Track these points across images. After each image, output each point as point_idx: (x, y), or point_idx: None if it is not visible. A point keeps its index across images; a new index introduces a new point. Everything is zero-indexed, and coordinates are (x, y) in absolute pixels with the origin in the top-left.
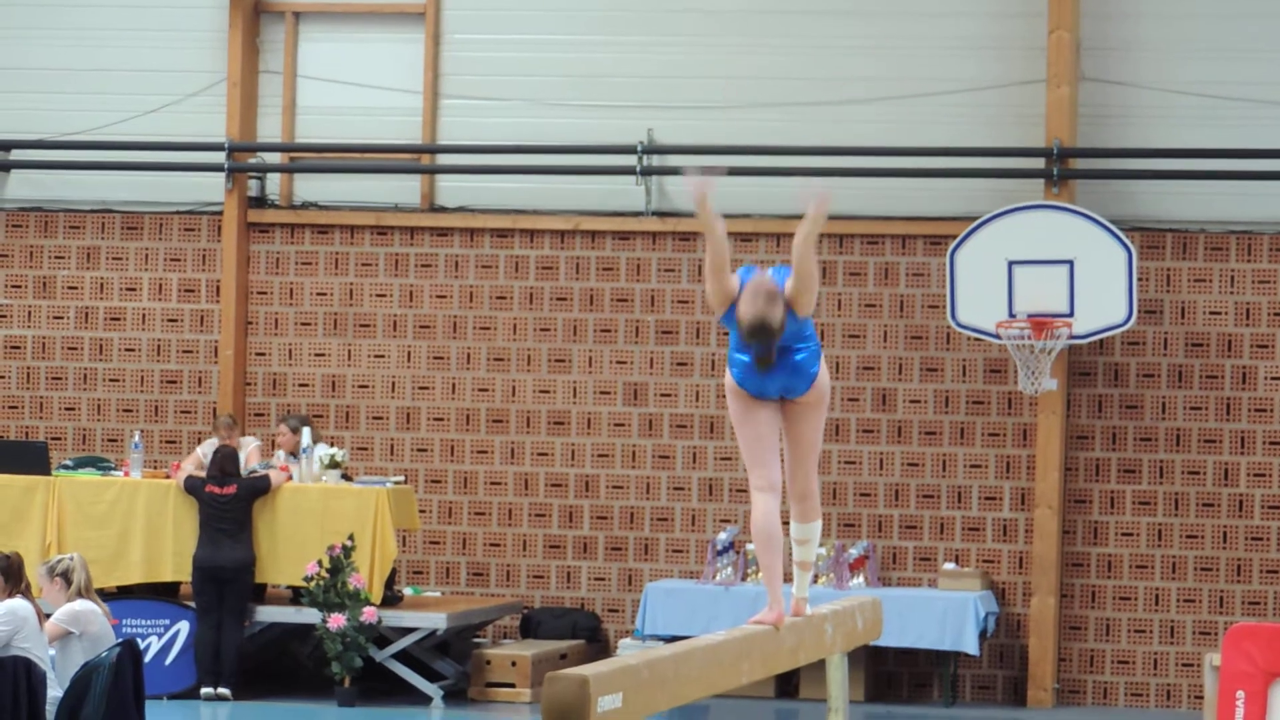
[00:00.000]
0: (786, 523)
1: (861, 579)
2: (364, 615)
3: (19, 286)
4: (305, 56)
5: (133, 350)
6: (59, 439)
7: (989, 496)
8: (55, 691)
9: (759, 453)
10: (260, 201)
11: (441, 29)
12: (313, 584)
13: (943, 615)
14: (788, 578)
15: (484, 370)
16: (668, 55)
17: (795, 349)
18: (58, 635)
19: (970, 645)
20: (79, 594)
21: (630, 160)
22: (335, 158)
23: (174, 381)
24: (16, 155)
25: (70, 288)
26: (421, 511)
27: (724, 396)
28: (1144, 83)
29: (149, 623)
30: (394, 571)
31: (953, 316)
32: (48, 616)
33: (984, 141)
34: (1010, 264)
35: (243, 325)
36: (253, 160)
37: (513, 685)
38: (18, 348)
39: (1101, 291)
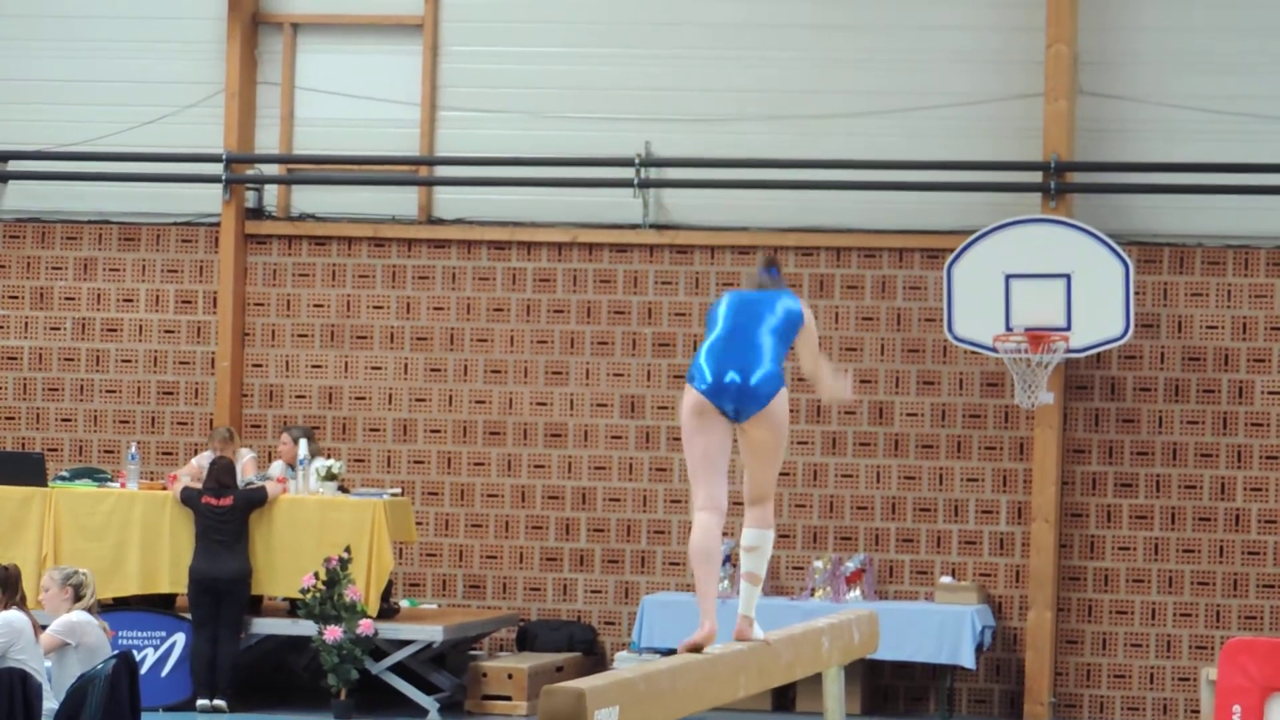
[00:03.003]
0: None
1: (858, 592)
2: (360, 627)
3: (16, 297)
4: (303, 68)
5: (129, 361)
6: (55, 450)
7: (985, 510)
8: (51, 703)
9: (706, 471)
10: (258, 213)
11: (439, 41)
12: (309, 596)
13: (939, 629)
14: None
15: (481, 382)
16: (666, 68)
17: (763, 349)
18: (54, 646)
19: (967, 659)
20: (83, 609)
21: (628, 173)
22: (333, 169)
23: (170, 393)
24: (14, 166)
25: (67, 298)
26: (418, 523)
27: None
28: (1142, 97)
29: (145, 634)
30: (390, 584)
31: (949, 330)
32: (44, 628)
33: (982, 155)
34: (1007, 278)
35: (239, 337)
36: (250, 172)
37: (509, 698)
38: (14, 358)
39: (1098, 305)
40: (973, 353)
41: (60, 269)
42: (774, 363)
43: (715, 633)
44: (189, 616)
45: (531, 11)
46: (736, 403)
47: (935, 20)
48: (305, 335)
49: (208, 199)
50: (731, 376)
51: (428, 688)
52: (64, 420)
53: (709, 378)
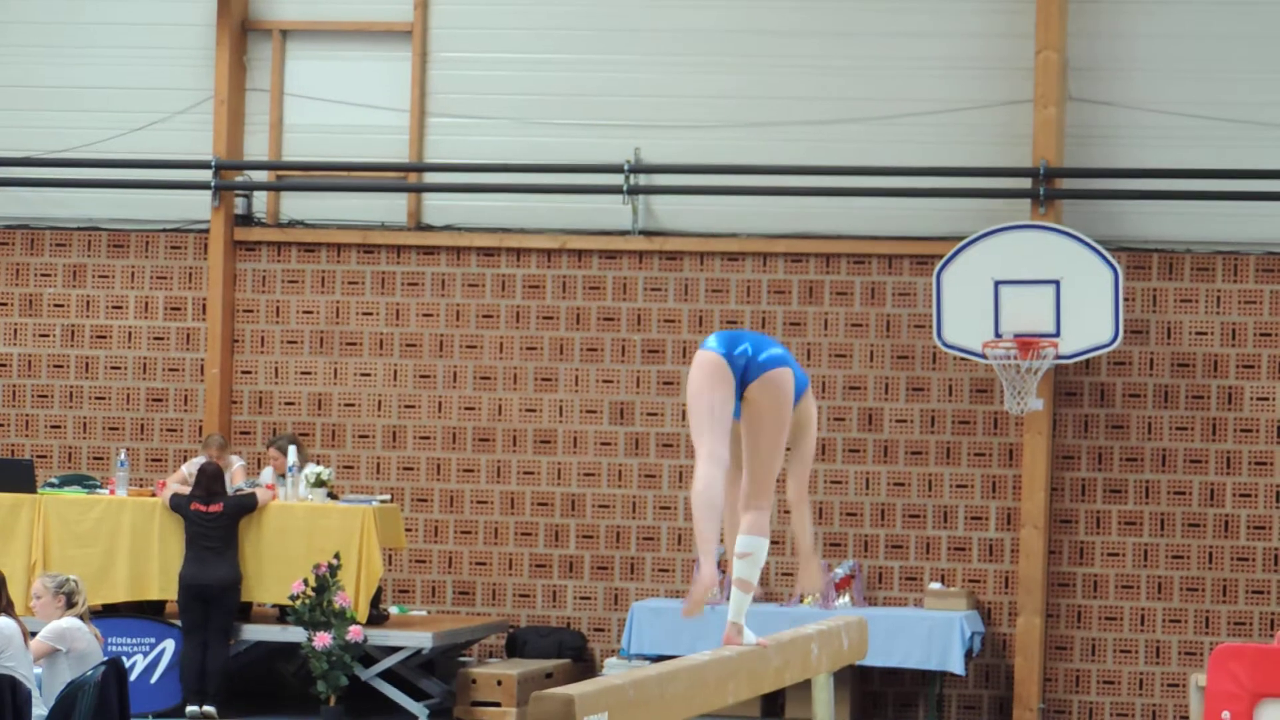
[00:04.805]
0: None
1: (847, 598)
2: (350, 634)
3: (5, 304)
4: (292, 74)
5: (119, 368)
6: (45, 457)
7: (975, 516)
8: (40, 710)
9: (710, 425)
10: (247, 219)
11: (429, 47)
12: (298, 602)
13: (928, 635)
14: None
15: (470, 389)
16: (655, 75)
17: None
18: (44, 653)
19: (956, 665)
20: (75, 616)
21: (617, 179)
22: (322, 176)
23: (160, 399)
24: (2, 173)
25: (56, 305)
26: (407, 530)
27: None
28: (1131, 103)
29: (134, 641)
30: (380, 590)
31: (939, 336)
32: (33, 634)
33: (970, 161)
34: (996, 284)
35: (229, 343)
36: (239, 178)
37: (498, 704)
38: (3, 365)
39: (1088, 312)
40: (962, 359)
41: (49, 276)
42: (783, 348)
43: (715, 578)
44: (178, 623)
45: (520, 18)
46: (746, 368)
47: (924, 27)
48: (294, 342)
49: (197, 205)
50: (743, 348)
51: (417, 694)
52: (53, 427)
53: (722, 346)
